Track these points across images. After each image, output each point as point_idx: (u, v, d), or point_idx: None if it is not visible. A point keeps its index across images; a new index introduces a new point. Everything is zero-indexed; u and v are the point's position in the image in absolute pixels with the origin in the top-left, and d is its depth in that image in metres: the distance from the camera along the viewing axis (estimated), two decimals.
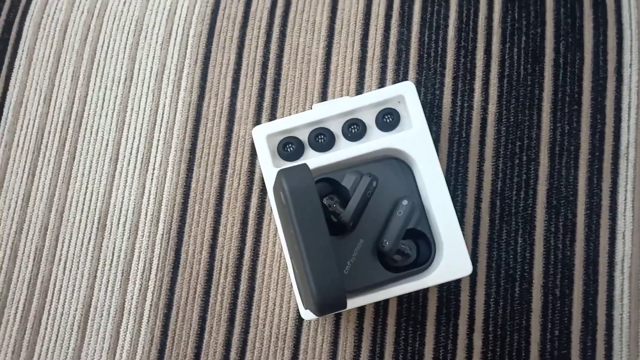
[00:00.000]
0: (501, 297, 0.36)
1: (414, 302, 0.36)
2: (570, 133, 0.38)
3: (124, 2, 0.42)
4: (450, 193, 0.37)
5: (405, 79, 0.39)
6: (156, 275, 0.38)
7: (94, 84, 0.41)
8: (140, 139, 0.40)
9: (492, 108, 0.38)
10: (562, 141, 0.38)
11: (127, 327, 0.37)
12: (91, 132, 0.40)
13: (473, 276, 0.36)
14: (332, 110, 0.34)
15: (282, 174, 0.27)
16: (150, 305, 0.37)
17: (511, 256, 0.36)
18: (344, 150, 0.33)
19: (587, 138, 0.38)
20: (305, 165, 0.28)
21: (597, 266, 0.36)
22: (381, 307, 0.36)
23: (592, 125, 0.38)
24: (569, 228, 0.37)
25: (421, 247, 0.32)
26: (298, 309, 0.36)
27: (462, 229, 0.37)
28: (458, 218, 0.36)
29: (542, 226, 0.37)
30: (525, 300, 0.36)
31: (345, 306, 0.26)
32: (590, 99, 0.38)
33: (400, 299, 0.36)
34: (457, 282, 0.36)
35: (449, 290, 0.36)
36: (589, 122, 0.38)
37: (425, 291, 0.36)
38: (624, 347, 0.35)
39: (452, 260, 0.31)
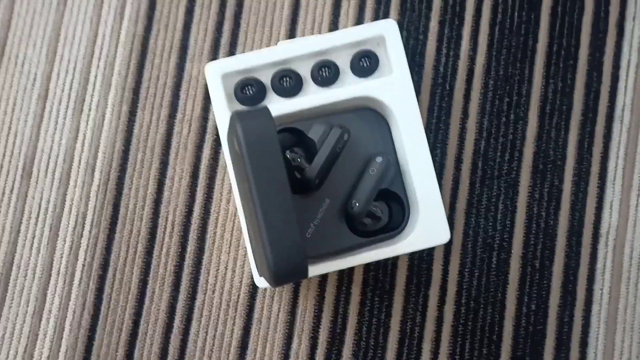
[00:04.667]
0: (477, 267, 0.34)
1: (381, 270, 0.34)
2: (563, 91, 0.35)
3: None
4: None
5: None
6: (90, 231, 0.35)
7: (20, 7, 0.37)
8: (74, 74, 0.36)
9: (480, 59, 0.35)
10: (554, 99, 0.35)
11: (55, 289, 0.34)
12: (16, 63, 0.36)
13: (448, 244, 0.34)
14: (300, 49, 0.31)
15: (236, 116, 0.24)
16: (83, 265, 0.34)
17: (490, 223, 0.34)
18: (313, 97, 0.30)
19: (580, 97, 0.35)
20: (265, 108, 0.25)
21: (581, 237, 0.34)
22: (345, 275, 0.34)
23: (587, 83, 0.35)
24: (554, 195, 0.34)
25: (394, 210, 0.31)
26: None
27: (440, 192, 0.34)
28: None
29: (526, 192, 0.34)
30: (502, 272, 0.34)
31: (306, 275, 0.24)
32: (588, 54, 0.35)
33: (367, 266, 0.34)
34: (430, 250, 0.35)
35: (420, 259, 0.34)
36: (584, 79, 0.35)
37: (394, 259, 0.35)
38: (602, 324, 0.34)
39: (428, 226, 0.30)
